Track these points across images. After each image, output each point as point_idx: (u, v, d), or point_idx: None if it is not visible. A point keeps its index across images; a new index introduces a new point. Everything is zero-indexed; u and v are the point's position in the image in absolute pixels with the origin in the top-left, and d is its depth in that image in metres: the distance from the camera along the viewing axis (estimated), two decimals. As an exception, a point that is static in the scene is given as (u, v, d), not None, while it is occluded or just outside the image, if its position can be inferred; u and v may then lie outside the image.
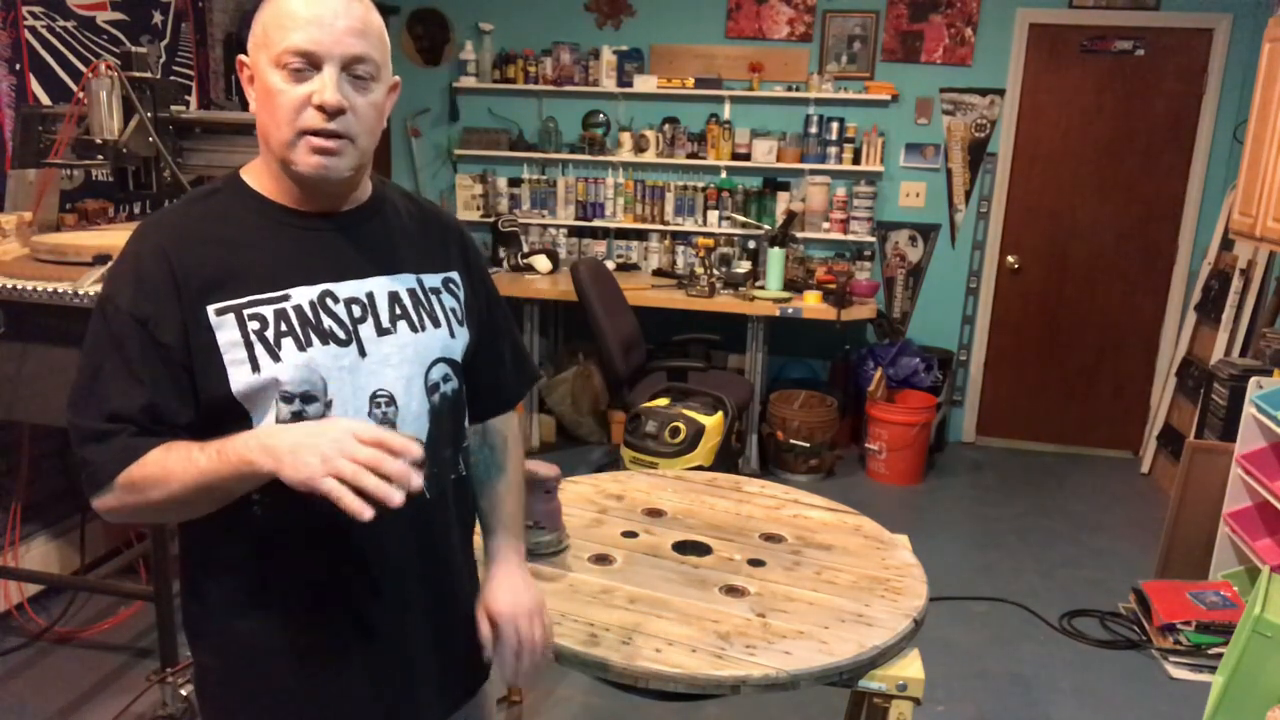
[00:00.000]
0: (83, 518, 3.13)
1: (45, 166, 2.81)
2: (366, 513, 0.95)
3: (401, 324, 1.18)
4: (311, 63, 1.07)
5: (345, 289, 1.15)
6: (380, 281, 1.18)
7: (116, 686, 2.63)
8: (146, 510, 1.08)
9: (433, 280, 1.24)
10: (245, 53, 1.13)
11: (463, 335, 1.27)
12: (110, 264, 1.13)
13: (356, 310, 1.15)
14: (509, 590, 1.30)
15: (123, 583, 2.94)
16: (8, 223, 2.81)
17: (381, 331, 1.16)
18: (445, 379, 1.23)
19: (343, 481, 0.95)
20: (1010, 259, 4.89)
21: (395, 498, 0.96)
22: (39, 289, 2.41)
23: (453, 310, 1.26)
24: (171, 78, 3.73)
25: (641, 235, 5.05)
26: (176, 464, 1.03)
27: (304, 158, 1.09)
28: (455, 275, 1.28)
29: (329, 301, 1.13)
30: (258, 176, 1.16)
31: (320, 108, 1.07)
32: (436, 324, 1.22)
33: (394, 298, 1.19)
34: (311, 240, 1.15)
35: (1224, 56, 4.47)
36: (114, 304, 1.08)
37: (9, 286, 2.44)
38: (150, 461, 1.04)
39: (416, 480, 0.98)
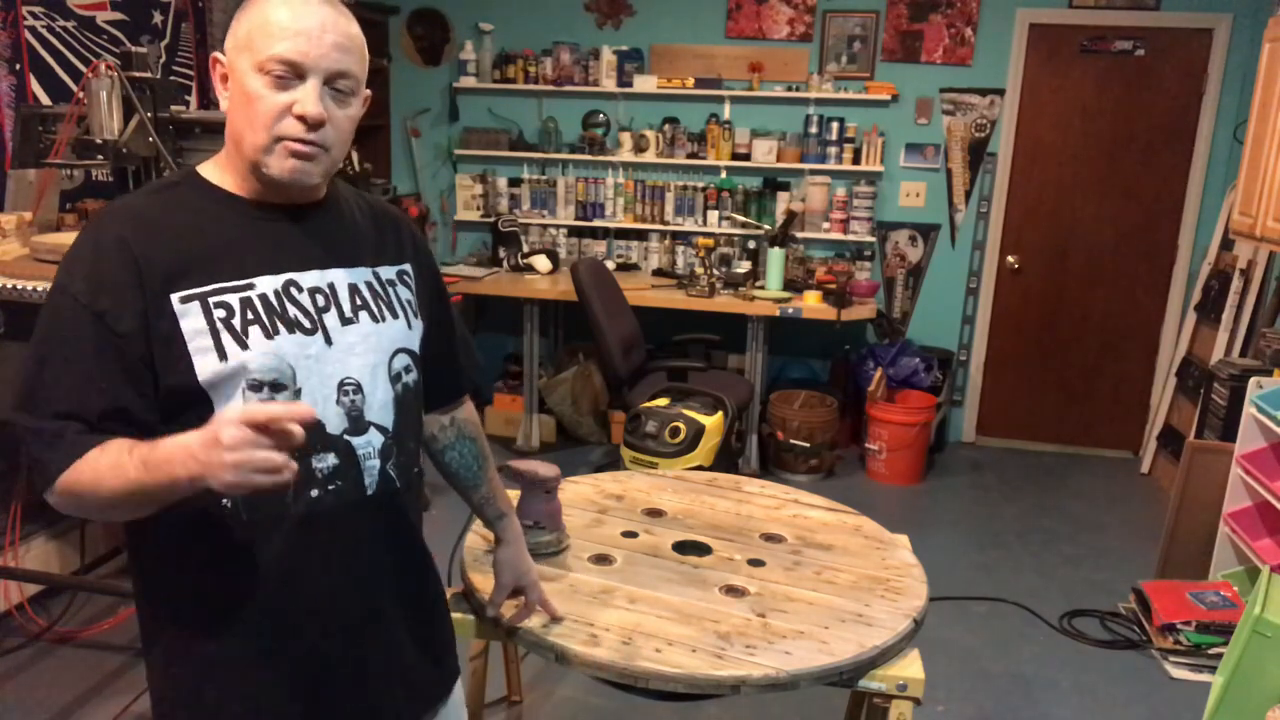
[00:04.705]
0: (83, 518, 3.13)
1: (45, 166, 2.82)
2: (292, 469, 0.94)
3: (363, 314, 1.19)
4: (296, 73, 1.07)
5: (308, 279, 1.16)
6: (340, 273, 1.19)
7: (116, 686, 2.63)
8: (90, 512, 1.07)
9: (388, 273, 1.26)
10: (221, 51, 1.13)
11: (418, 326, 1.29)
12: (65, 253, 1.10)
13: (320, 300, 1.16)
14: (529, 560, 1.58)
15: (123, 583, 2.93)
16: (8, 223, 2.81)
17: (345, 321, 1.17)
18: (406, 369, 1.24)
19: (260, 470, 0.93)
20: (1010, 259, 4.89)
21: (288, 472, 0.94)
22: (39, 289, 2.42)
23: (408, 302, 1.27)
24: (171, 78, 3.73)
25: (641, 235, 5.05)
26: (107, 470, 1.00)
27: (279, 162, 1.09)
28: (408, 268, 1.30)
29: (293, 291, 1.14)
30: (218, 173, 1.16)
31: (301, 118, 1.08)
32: (395, 315, 1.24)
33: (354, 289, 1.20)
34: (273, 231, 1.15)
35: (1224, 56, 4.47)
36: (68, 294, 1.05)
37: (9, 286, 2.45)
38: (85, 465, 1.01)
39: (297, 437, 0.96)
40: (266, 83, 1.07)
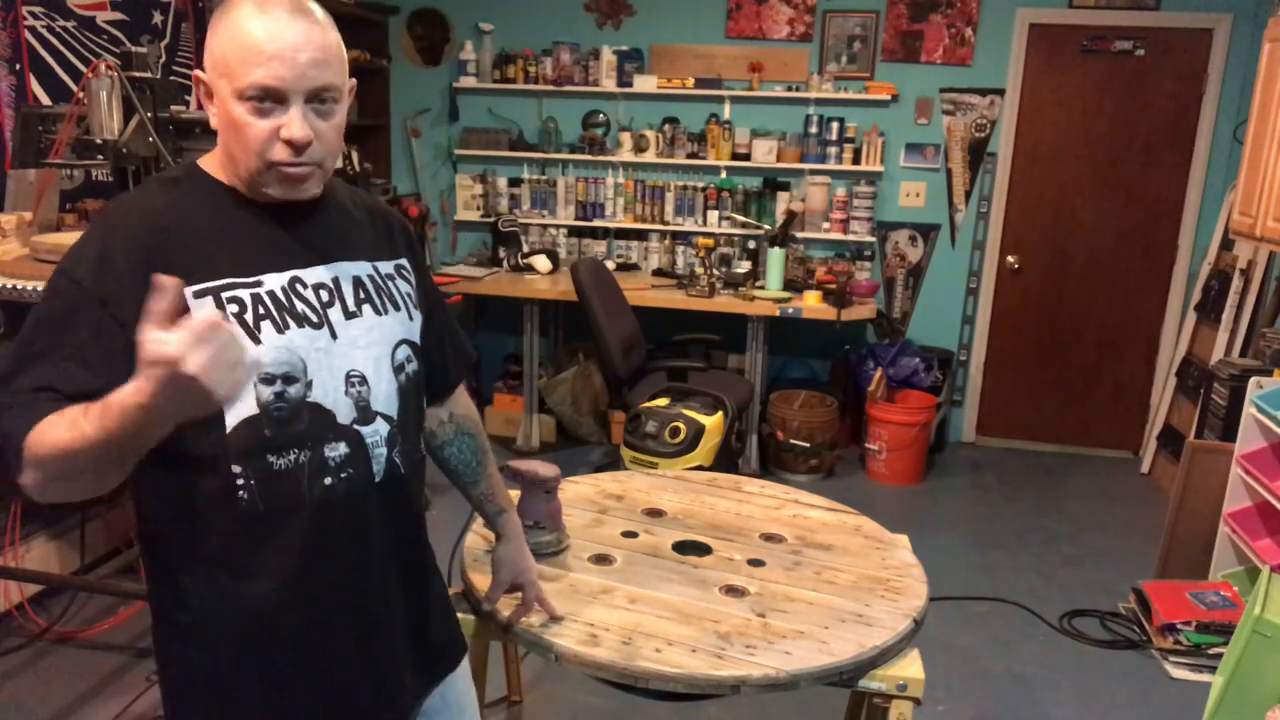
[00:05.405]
0: (83, 518, 3.13)
1: (45, 166, 2.81)
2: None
3: (366, 307, 1.22)
4: (276, 99, 1.08)
5: (312, 275, 1.18)
6: (342, 267, 1.21)
7: (116, 686, 2.63)
8: (61, 484, 1.00)
9: (386, 267, 1.29)
10: (203, 67, 1.13)
11: (418, 318, 1.32)
12: (72, 245, 1.10)
13: (324, 295, 1.18)
14: (529, 558, 1.59)
15: (123, 583, 2.94)
16: (8, 223, 2.81)
17: (349, 315, 1.19)
18: (408, 360, 1.27)
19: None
20: (1010, 259, 4.89)
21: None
22: (39, 289, 2.41)
23: (407, 295, 1.30)
24: (171, 78, 3.73)
25: (641, 235, 5.05)
26: (64, 429, 0.95)
27: (275, 185, 1.12)
28: (404, 262, 1.33)
29: (298, 287, 1.16)
30: (218, 169, 1.17)
31: (289, 143, 1.09)
32: (396, 307, 1.27)
33: (357, 282, 1.22)
34: (276, 228, 1.17)
35: (1224, 56, 4.47)
36: (71, 278, 1.05)
37: (9, 286, 2.45)
38: (45, 426, 0.97)
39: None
40: (249, 109, 1.07)
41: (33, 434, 0.98)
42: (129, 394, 0.89)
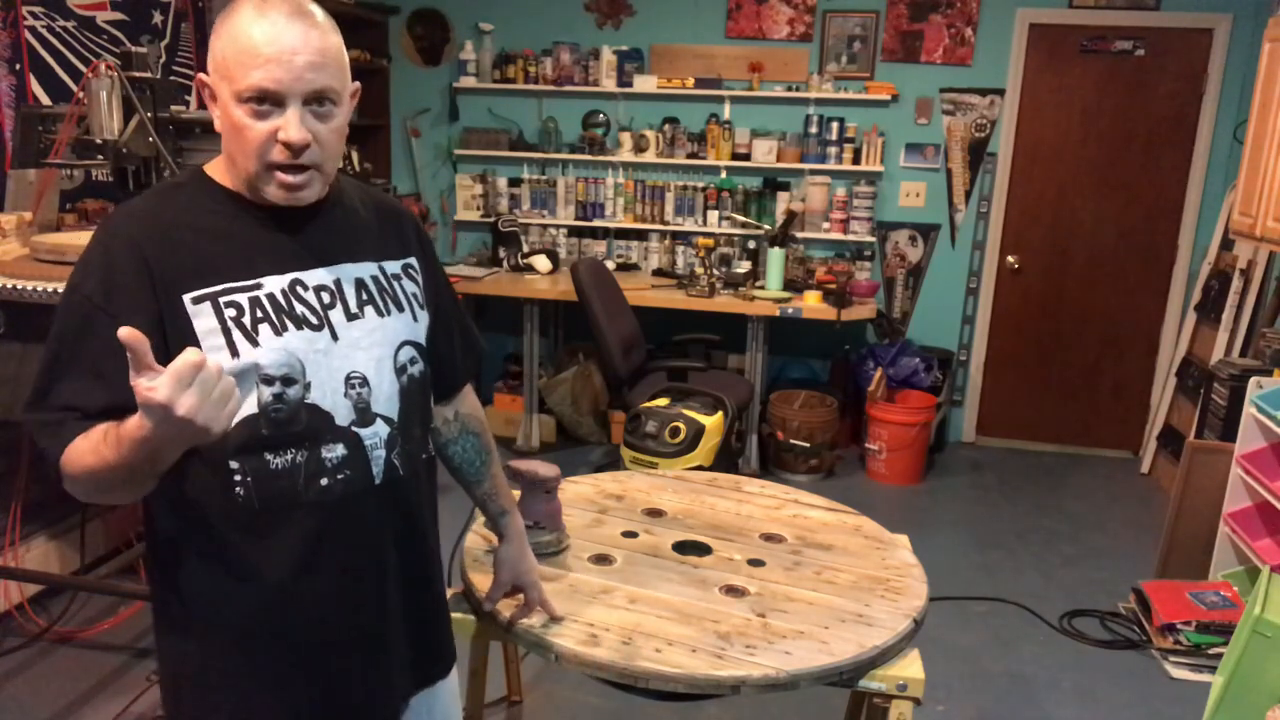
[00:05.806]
0: (83, 518, 3.13)
1: (45, 166, 2.82)
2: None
3: (369, 309, 1.22)
4: (274, 101, 1.08)
5: (313, 277, 1.18)
6: (345, 269, 1.22)
7: (116, 686, 2.63)
8: (93, 493, 1.07)
9: (393, 267, 1.29)
10: (206, 70, 1.14)
11: (424, 318, 1.31)
12: (79, 256, 1.13)
13: (325, 297, 1.18)
14: (531, 559, 1.59)
15: (123, 583, 2.94)
16: (8, 223, 2.81)
17: (350, 317, 1.20)
18: (412, 361, 1.27)
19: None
20: (1010, 259, 4.89)
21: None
22: (39, 289, 2.42)
23: (414, 295, 1.30)
24: (171, 78, 3.72)
25: (641, 235, 5.05)
26: (89, 453, 1.02)
27: (274, 190, 1.12)
28: (413, 261, 1.33)
29: (299, 289, 1.17)
30: (223, 174, 1.18)
31: (286, 145, 1.09)
32: (400, 308, 1.27)
33: (360, 284, 1.22)
34: (279, 231, 1.17)
35: (1224, 56, 4.47)
36: (80, 293, 1.09)
37: (9, 286, 2.45)
38: (73, 449, 1.04)
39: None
40: (247, 112, 1.08)
41: (65, 456, 1.04)
42: (134, 428, 0.94)
